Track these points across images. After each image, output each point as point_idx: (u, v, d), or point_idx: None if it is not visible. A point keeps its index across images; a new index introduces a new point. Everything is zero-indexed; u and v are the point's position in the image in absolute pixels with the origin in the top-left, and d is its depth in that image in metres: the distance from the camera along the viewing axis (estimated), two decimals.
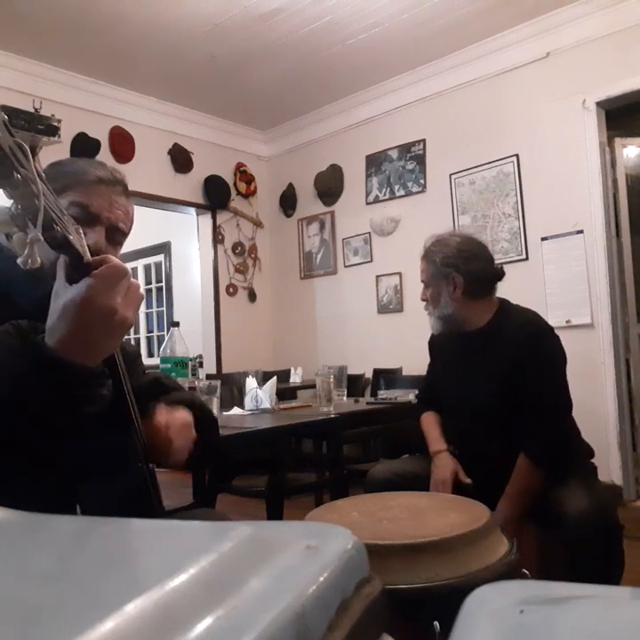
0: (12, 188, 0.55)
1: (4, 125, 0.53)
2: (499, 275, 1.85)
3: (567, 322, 3.45)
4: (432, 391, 2.05)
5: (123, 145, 4.24)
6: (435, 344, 2.06)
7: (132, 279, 0.74)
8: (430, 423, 1.97)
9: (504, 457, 1.68)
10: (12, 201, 0.58)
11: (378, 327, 4.46)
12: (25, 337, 0.74)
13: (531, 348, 1.70)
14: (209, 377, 3.66)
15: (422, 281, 1.90)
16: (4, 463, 0.71)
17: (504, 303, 1.86)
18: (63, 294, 0.69)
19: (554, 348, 1.74)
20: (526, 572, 1.17)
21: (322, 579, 0.35)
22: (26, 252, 0.58)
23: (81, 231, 0.69)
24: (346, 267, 4.70)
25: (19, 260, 0.59)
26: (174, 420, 1.00)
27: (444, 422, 1.95)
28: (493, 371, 1.74)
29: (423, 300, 1.91)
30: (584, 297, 3.44)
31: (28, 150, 0.56)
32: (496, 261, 1.92)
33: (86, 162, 1.03)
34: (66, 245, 0.64)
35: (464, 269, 1.79)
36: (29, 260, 0.58)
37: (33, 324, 0.74)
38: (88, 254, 0.68)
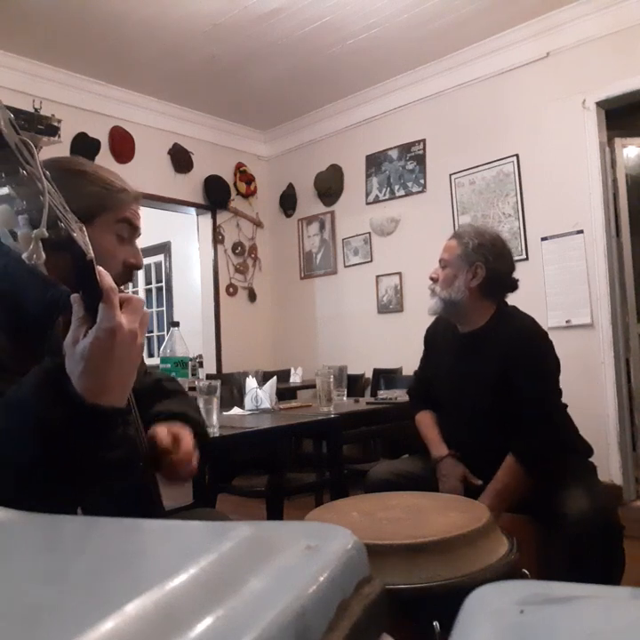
0: (18, 184, 0.56)
1: (10, 123, 0.53)
2: (514, 286, 1.86)
3: (567, 322, 3.45)
4: (425, 387, 2.04)
5: (123, 145, 4.24)
6: (430, 339, 2.05)
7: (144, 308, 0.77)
8: (428, 425, 1.95)
9: (498, 456, 1.68)
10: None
11: (378, 327, 4.46)
12: (52, 381, 0.72)
13: (524, 353, 1.69)
14: (209, 377, 3.66)
15: (441, 259, 1.87)
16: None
17: (502, 305, 1.85)
18: (81, 339, 0.69)
19: (547, 354, 1.74)
20: (526, 572, 1.17)
21: (322, 579, 0.35)
22: (31, 247, 0.58)
23: (84, 229, 0.69)
24: (346, 267, 4.70)
25: (23, 256, 0.59)
26: (180, 450, 1.02)
27: (439, 421, 1.95)
28: (487, 373, 1.74)
29: (433, 278, 1.87)
30: (584, 297, 3.44)
31: (34, 148, 0.56)
32: None
33: (108, 172, 1.03)
34: (69, 243, 0.65)
35: (491, 264, 1.79)
36: (34, 256, 0.59)
37: (55, 363, 0.72)
38: (91, 252, 0.68)
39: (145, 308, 0.77)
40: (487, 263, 1.78)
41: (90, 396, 0.68)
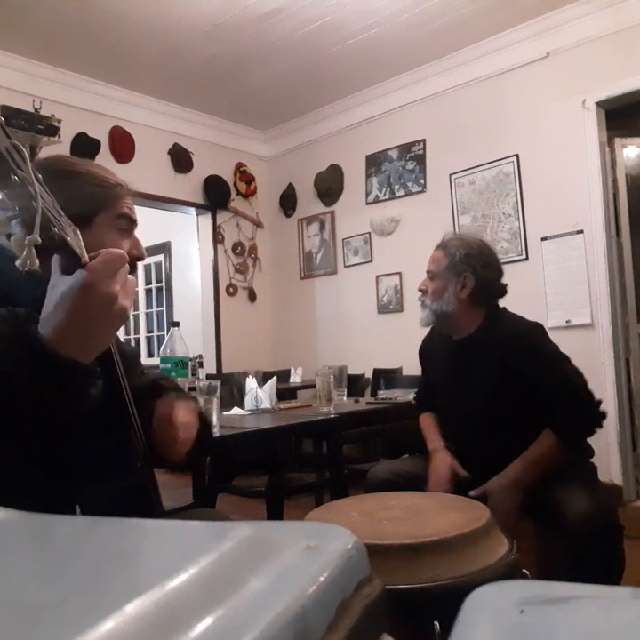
0: (9, 189, 0.55)
1: (0, 127, 0.53)
2: (503, 292, 1.86)
3: (567, 322, 3.45)
4: (428, 393, 2.06)
5: (123, 145, 4.24)
6: (424, 353, 2.07)
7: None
8: (428, 423, 1.98)
9: (500, 459, 1.68)
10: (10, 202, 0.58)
11: (378, 327, 4.46)
12: (19, 324, 0.71)
13: (525, 346, 1.70)
14: (209, 377, 3.65)
15: (429, 271, 1.86)
16: (4, 462, 0.71)
17: (490, 309, 1.85)
18: (61, 284, 0.68)
19: (543, 339, 1.75)
20: (526, 572, 1.17)
21: (322, 579, 0.35)
22: (24, 253, 0.58)
23: (78, 232, 0.69)
24: (346, 267, 4.70)
25: (17, 262, 0.59)
26: (181, 407, 1.03)
27: (442, 425, 1.96)
28: (488, 375, 1.73)
29: (421, 290, 1.87)
30: (584, 297, 3.44)
31: (25, 152, 0.56)
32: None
33: (98, 167, 1.04)
34: (63, 247, 0.64)
35: (480, 273, 1.78)
36: (28, 262, 0.58)
37: (30, 313, 0.72)
38: (85, 255, 0.68)
39: (129, 276, 0.74)
40: (476, 273, 1.78)
41: (52, 342, 0.67)
